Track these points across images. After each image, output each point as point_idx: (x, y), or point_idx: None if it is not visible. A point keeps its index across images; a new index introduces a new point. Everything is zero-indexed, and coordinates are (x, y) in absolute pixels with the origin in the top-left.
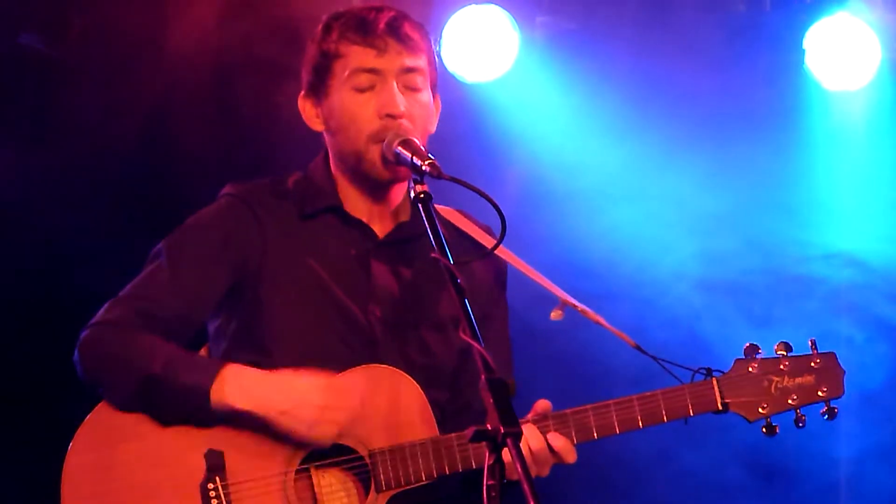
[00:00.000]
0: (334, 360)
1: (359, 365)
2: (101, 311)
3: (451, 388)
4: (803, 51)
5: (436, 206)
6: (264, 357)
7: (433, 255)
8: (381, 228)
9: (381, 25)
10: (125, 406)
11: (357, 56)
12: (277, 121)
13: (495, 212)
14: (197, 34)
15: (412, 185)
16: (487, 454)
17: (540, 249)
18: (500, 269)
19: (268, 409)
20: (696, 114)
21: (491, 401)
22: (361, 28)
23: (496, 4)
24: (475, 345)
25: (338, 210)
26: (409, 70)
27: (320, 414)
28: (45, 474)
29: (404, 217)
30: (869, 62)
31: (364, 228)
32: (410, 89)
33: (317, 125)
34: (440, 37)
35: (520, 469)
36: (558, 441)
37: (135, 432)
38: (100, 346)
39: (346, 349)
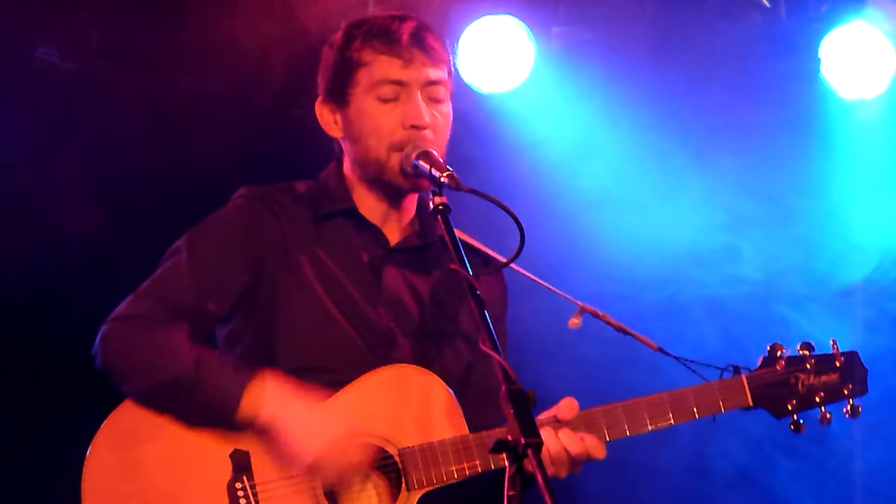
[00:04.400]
0: (350, 357)
1: (374, 364)
2: (125, 304)
3: (459, 402)
4: (819, 59)
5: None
6: (281, 353)
7: (452, 266)
8: (393, 236)
9: (406, 36)
10: (146, 401)
11: (382, 66)
12: (295, 129)
13: (513, 221)
14: (213, 46)
15: (431, 196)
16: (508, 465)
17: (556, 257)
18: (503, 289)
19: (285, 437)
20: (712, 123)
21: (511, 411)
22: (386, 37)
23: (512, 15)
24: (495, 356)
25: (352, 213)
26: (433, 82)
27: (315, 464)
28: (57, 474)
29: (415, 226)
30: (884, 70)
31: (377, 233)
32: (433, 101)
33: (335, 131)
34: (456, 47)
35: (541, 480)
36: (589, 440)
37: (157, 432)
38: (126, 339)
39: (363, 348)
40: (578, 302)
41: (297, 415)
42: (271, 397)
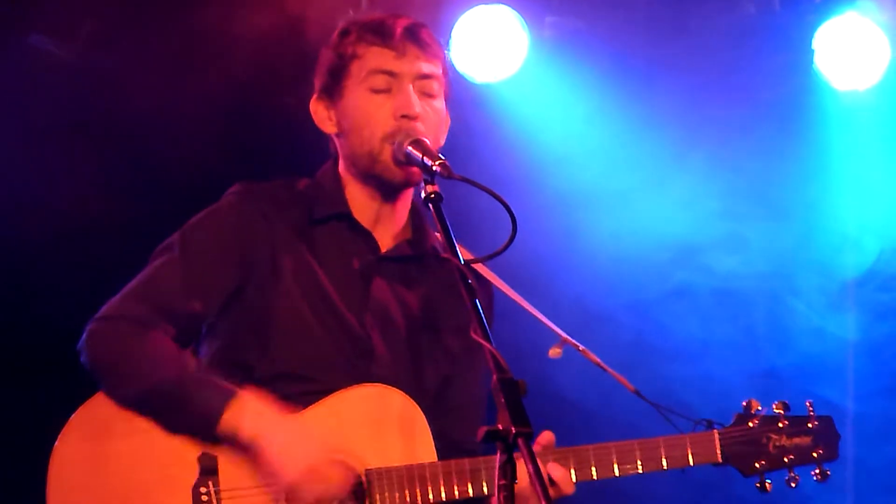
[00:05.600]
0: (327, 367)
1: (351, 374)
2: (115, 303)
3: (432, 413)
4: (812, 51)
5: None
6: (259, 358)
7: (444, 255)
8: (384, 241)
9: (400, 30)
10: (125, 404)
11: (375, 57)
12: (289, 127)
13: (505, 211)
14: (207, 36)
15: (423, 185)
16: (499, 454)
17: (547, 247)
18: (490, 301)
19: (265, 457)
20: (706, 113)
21: (503, 400)
22: (380, 31)
23: (505, 4)
24: (486, 345)
25: (346, 217)
26: (426, 76)
27: (294, 485)
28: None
29: (408, 235)
30: (878, 61)
31: (369, 239)
32: (426, 95)
33: (329, 127)
34: (450, 37)
35: (531, 469)
36: (558, 471)
37: (128, 428)
38: (114, 342)
39: (341, 358)
40: (562, 333)
41: (279, 434)
42: (253, 415)
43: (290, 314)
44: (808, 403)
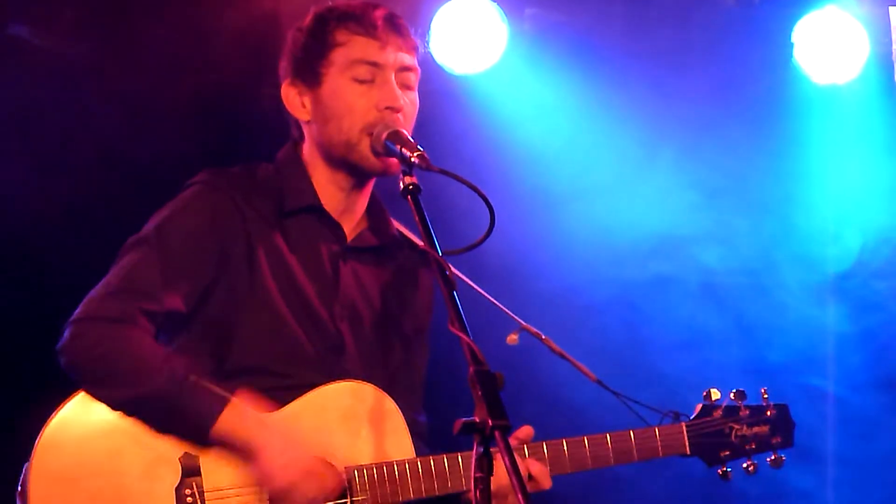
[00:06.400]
0: (299, 361)
1: (321, 369)
2: (94, 302)
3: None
4: (792, 44)
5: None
6: (230, 351)
7: (422, 246)
8: (348, 230)
9: (381, 21)
10: (113, 407)
11: (360, 47)
12: (259, 113)
13: (483, 203)
14: (185, 27)
15: (401, 176)
16: (476, 446)
17: (526, 240)
18: (431, 298)
19: (254, 467)
20: (685, 107)
21: (479, 393)
22: (362, 21)
23: None
24: (463, 337)
25: (316, 209)
26: (406, 68)
27: (287, 488)
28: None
29: (366, 223)
30: (857, 56)
31: (337, 230)
32: (405, 87)
33: (302, 114)
34: (428, 28)
35: (507, 463)
36: (535, 466)
37: (110, 427)
38: (98, 344)
39: (312, 352)
40: (521, 321)
41: (271, 440)
42: (245, 421)
43: (264, 307)
44: (762, 391)
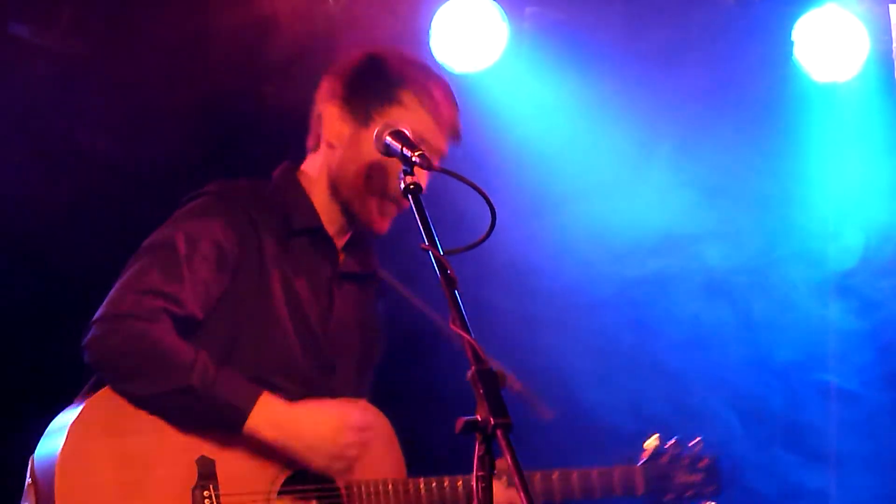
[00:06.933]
0: (294, 377)
1: (312, 387)
2: (120, 301)
3: None
4: (792, 42)
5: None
6: (228, 361)
7: (423, 246)
8: (340, 255)
9: (447, 102)
10: (140, 403)
11: (419, 120)
12: (266, 113)
13: (485, 202)
14: (185, 26)
15: (402, 175)
16: (477, 445)
17: (525, 238)
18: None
19: (296, 444)
20: (685, 105)
21: (481, 391)
22: (433, 95)
23: None
24: (465, 335)
25: (319, 232)
26: (443, 156)
27: (340, 451)
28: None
29: (351, 252)
30: (857, 53)
31: (333, 253)
32: None
33: (334, 138)
34: (429, 26)
35: (510, 460)
36: (510, 493)
37: (134, 427)
38: (130, 341)
39: (306, 370)
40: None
41: (313, 415)
42: (280, 405)
43: (270, 322)
44: (698, 440)
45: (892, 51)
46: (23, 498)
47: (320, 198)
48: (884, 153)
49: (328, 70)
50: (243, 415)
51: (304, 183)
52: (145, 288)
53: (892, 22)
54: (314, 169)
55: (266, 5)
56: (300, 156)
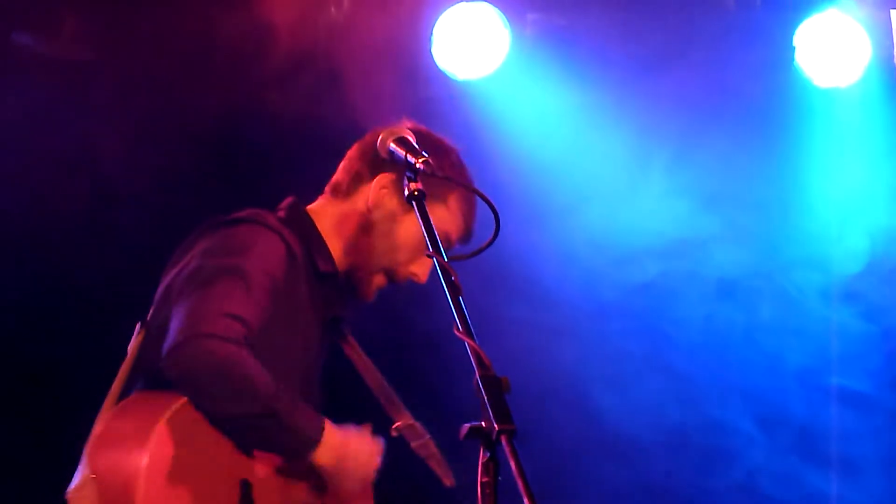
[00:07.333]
0: None
1: None
2: (206, 322)
3: None
4: (793, 48)
5: None
6: None
7: (427, 254)
8: None
9: (472, 224)
10: (221, 424)
11: (455, 226)
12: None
13: (488, 208)
14: (189, 33)
15: (406, 182)
16: (482, 451)
17: (529, 244)
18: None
19: (342, 470)
20: (687, 111)
21: (485, 398)
22: (472, 208)
23: (487, 2)
24: (469, 341)
25: (334, 277)
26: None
27: (370, 474)
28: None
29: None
30: (859, 59)
31: (340, 299)
32: None
33: (375, 206)
34: (431, 33)
35: (514, 467)
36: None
37: (202, 442)
38: (224, 363)
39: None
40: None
41: (349, 455)
42: (334, 441)
43: (288, 353)
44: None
45: (893, 56)
46: (75, 487)
47: (336, 246)
48: (886, 158)
49: (389, 129)
50: (315, 443)
51: (319, 227)
52: (228, 311)
53: (894, 27)
54: (331, 216)
55: (269, 13)
56: (301, 167)
